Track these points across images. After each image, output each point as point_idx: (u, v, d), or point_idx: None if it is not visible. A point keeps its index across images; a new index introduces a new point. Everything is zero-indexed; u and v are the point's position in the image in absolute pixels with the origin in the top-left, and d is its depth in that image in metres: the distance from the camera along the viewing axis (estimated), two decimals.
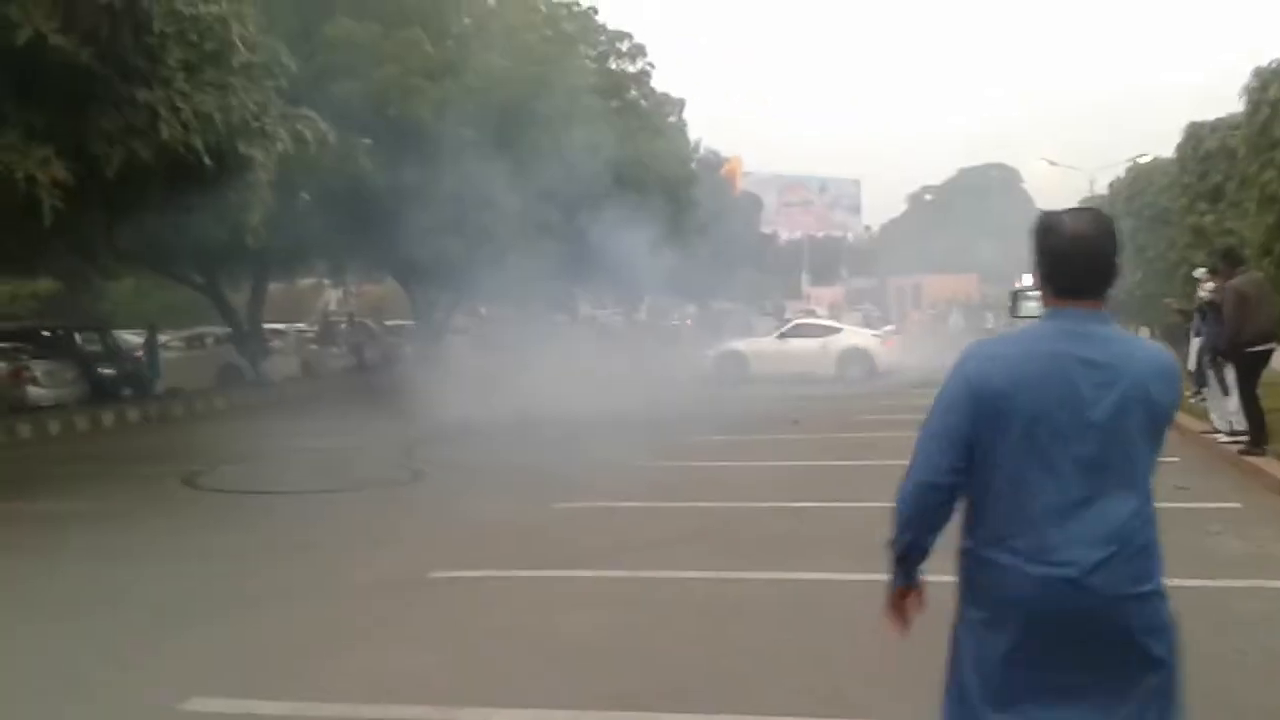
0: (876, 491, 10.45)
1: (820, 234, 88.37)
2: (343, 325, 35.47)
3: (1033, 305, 4.05)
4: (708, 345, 29.71)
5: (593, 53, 29.93)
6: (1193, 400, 14.57)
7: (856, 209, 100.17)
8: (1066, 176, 71.33)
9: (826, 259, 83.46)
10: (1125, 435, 2.58)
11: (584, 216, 25.16)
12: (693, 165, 35.90)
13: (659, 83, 32.69)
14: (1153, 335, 23.99)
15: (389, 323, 37.21)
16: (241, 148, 12.18)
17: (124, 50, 11.30)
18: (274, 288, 31.61)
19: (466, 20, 24.80)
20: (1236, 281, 11.14)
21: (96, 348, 24.26)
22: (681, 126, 34.17)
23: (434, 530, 9.51)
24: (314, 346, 32.92)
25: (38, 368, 21.47)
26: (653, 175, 28.05)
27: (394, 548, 8.80)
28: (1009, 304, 32.47)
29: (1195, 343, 15.53)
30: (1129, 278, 23.22)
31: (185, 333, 30.20)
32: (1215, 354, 12.19)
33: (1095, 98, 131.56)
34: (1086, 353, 2.61)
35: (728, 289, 52.94)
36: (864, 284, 78.71)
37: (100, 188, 12.36)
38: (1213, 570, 7.04)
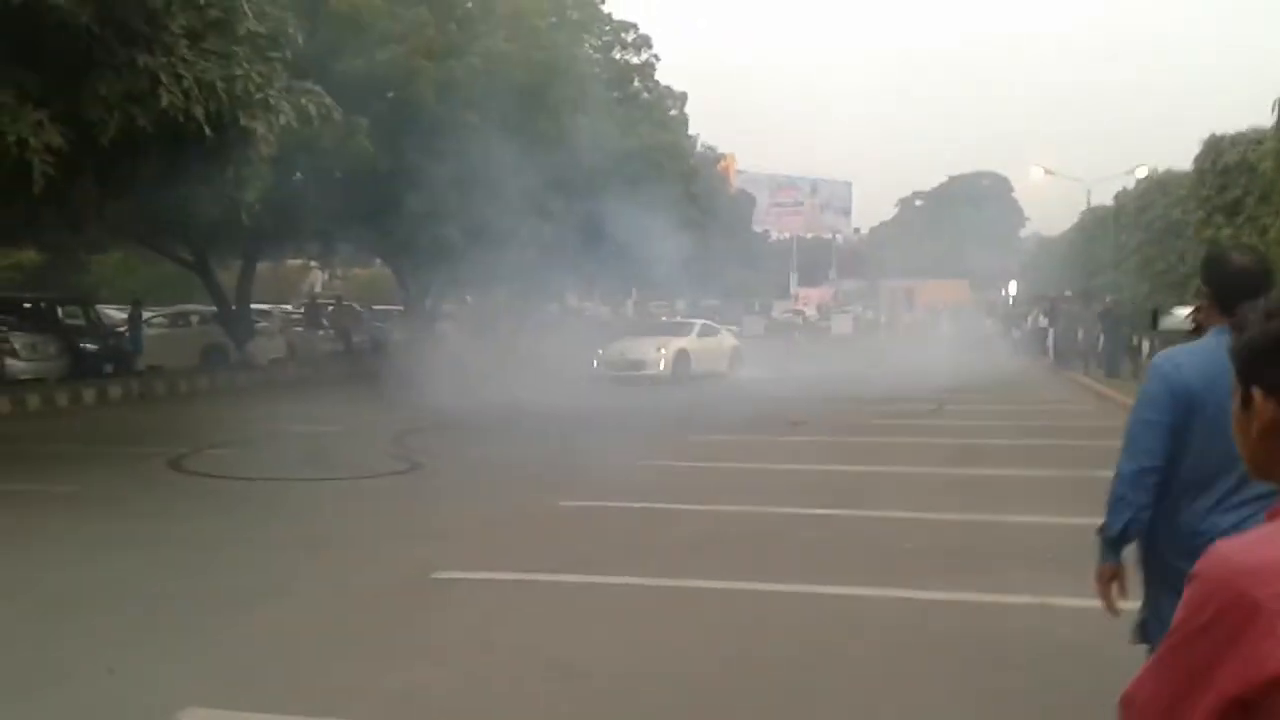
0: (894, 501, 10.34)
1: (810, 235, 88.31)
2: (330, 308, 34.88)
3: (1174, 320, 4.67)
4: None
5: (597, 42, 29.50)
6: None
7: (847, 211, 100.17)
8: (1063, 187, 71.33)
9: (815, 260, 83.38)
10: None
11: (583, 206, 24.80)
12: (692, 160, 35.49)
13: (660, 75, 32.32)
14: (1153, 347, 23.74)
15: (376, 307, 36.64)
16: (243, 120, 11.68)
17: (126, 13, 10.81)
18: (260, 267, 31.05)
19: (469, 3, 24.32)
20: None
21: (79, 322, 23.67)
22: (684, 120, 33.75)
23: (437, 526, 9.08)
24: (300, 329, 32.36)
25: (17, 340, 20.87)
26: (653, 168, 27.64)
27: (396, 544, 8.36)
28: (1044, 310, 32.14)
29: None
30: (1136, 289, 22.96)
31: (169, 309, 29.55)
32: None
33: (1088, 110, 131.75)
34: None
35: (718, 285, 52.64)
36: (853, 285, 78.64)
37: (94, 156, 11.86)
38: None
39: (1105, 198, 41.32)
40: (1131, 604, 3.25)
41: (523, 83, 22.52)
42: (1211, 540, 1.35)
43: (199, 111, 11.15)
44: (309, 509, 9.92)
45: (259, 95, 11.82)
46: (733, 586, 7.00)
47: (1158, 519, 3.08)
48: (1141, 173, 41.52)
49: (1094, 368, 25.42)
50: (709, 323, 28.36)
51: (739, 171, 75.19)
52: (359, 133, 19.59)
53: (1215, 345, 2.70)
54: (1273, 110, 13.86)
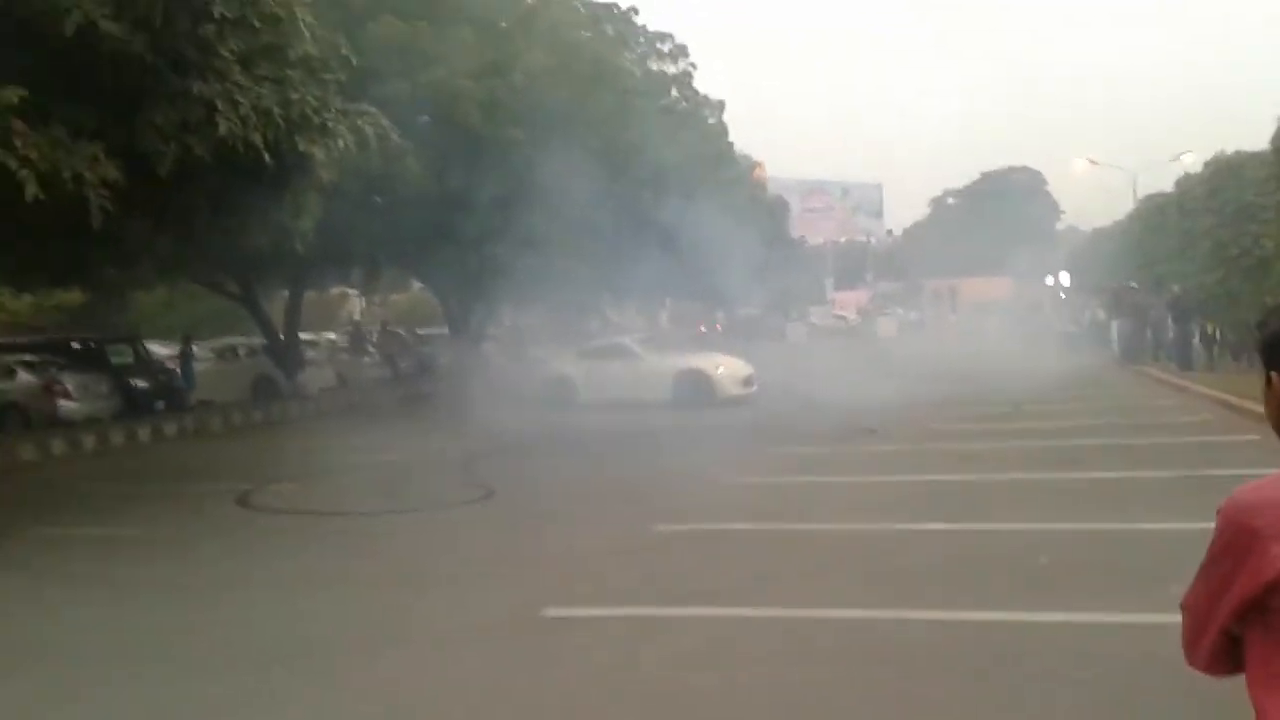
0: (1013, 512, 9.80)
1: (843, 239, 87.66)
2: (375, 334, 34.65)
3: None
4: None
5: (633, 55, 29.11)
6: None
7: (878, 213, 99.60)
8: (1101, 178, 70.25)
9: (850, 263, 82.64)
10: None
11: (630, 220, 24.35)
12: (734, 169, 35.00)
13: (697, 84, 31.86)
14: (1222, 336, 22.97)
15: (421, 331, 36.36)
16: (302, 145, 11.29)
17: (179, 40, 10.45)
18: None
19: (503, 24, 23.99)
20: None
21: (127, 360, 23.46)
22: (723, 129, 33.25)
23: (532, 557, 8.61)
24: (346, 356, 32.13)
25: (69, 381, 20.68)
26: (698, 179, 27.16)
27: (496, 580, 7.89)
28: (1103, 303, 31.35)
29: None
30: (1206, 276, 22.23)
31: (215, 343, 29.36)
32: None
33: (1120, 101, 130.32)
34: None
35: (758, 293, 52.04)
36: (890, 287, 77.79)
37: (149, 190, 11.49)
38: None
39: (1150, 187, 40.69)
40: None
41: (566, 98, 22.11)
42: None
43: (257, 139, 10.76)
44: (392, 544, 9.48)
45: (316, 120, 11.44)
46: (872, 615, 6.47)
47: None
48: (1189, 159, 40.84)
49: (1165, 360, 24.68)
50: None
51: (770, 178, 74.72)
52: (406, 155, 19.21)
53: None
54: None
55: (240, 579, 8.37)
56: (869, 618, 6.46)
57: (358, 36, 18.83)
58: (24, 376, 20.63)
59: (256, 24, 10.67)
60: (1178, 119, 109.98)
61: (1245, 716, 1.78)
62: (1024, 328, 41.31)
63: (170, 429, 20.32)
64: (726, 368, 21.87)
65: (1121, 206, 58.62)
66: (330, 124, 11.53)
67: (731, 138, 34.27)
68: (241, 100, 10.58)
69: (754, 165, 55.19)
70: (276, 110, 10.97)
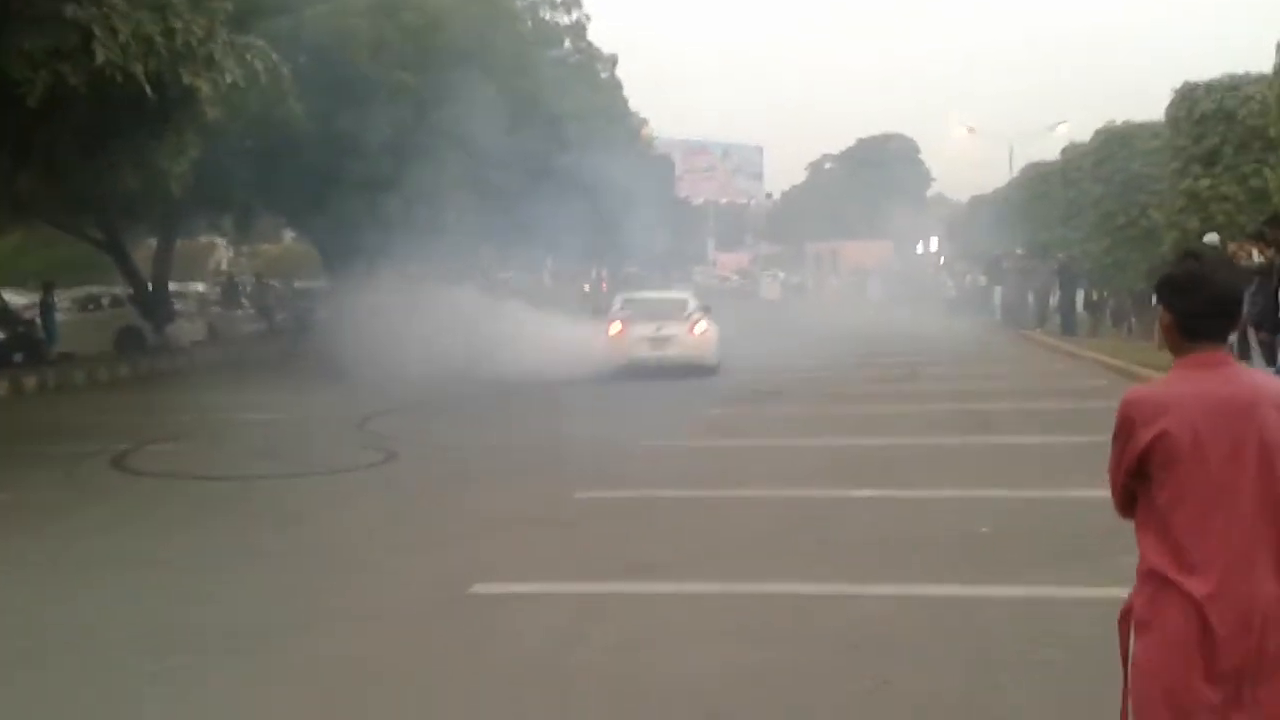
0: (939, 478, 9.61)
1: (724, 200, 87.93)
2: (248, 286, 33.20)
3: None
4: None
5: (524, 2, 28.15)
6: None
7: (759, 176, 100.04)
8: (973, 147, 71.67)
9: (731, 224, 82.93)
10: None
11: (522, 173, 23.64)
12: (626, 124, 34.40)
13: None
14: (1117, 303, 23.49)
15: (297, 283, 34.97)
16: (186, 78, 10.36)
17: None
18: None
19: None
20: None
21: None
22: (616, 84, 32.55)
23: (449, 528, 8.04)
24: (218, 309, 30.70)
25: None
26: (591, 133, 26.47)
27: (413, 554, 7.30)
28: (985, 269, 31.85)
29: None
30: (1094, 243, 22.63)
31: (76, 292, 27.57)
32: (1262, 327, 11.30)
33: (990, 73, 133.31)
34: None
35: (645, 252, 51.59)
36: (772, 249, 78.33)
37: (12, 121, 10.45)
38: None
39: (1025, 157, 41.51)
40: None
41: (459, 41, 21.20)
42: None
43: (138, 69, 9.82)
44: (291, 512, 8.78)
45: (202, 51, 10.51)
46: (822, 591, 6.14)
47: None
48: (1063, 129, 41.82)
49: (1049, 326, 25.18)
50: None
51: (653, 138, 74.22)
52: (288, 97, 18.13)
53: None
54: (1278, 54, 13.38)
55: (125, 552, 7.62)
56: (819, 594, 6.13)
57: None
58: None
59: None
60: (1051, 92, 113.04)
61: None
62: (905, 291, 41.89)
63: (30, 383, 18.99)
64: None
65: (994, 175, 60.11)
66: (217, 56, 10.60)
67: (626, 93, 33.66)
68: (120, 27, 9.63)
69: (642, 122, 54.68)
70: (159, 39, 10.02)
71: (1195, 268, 2.72)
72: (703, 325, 18.52)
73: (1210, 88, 16.89)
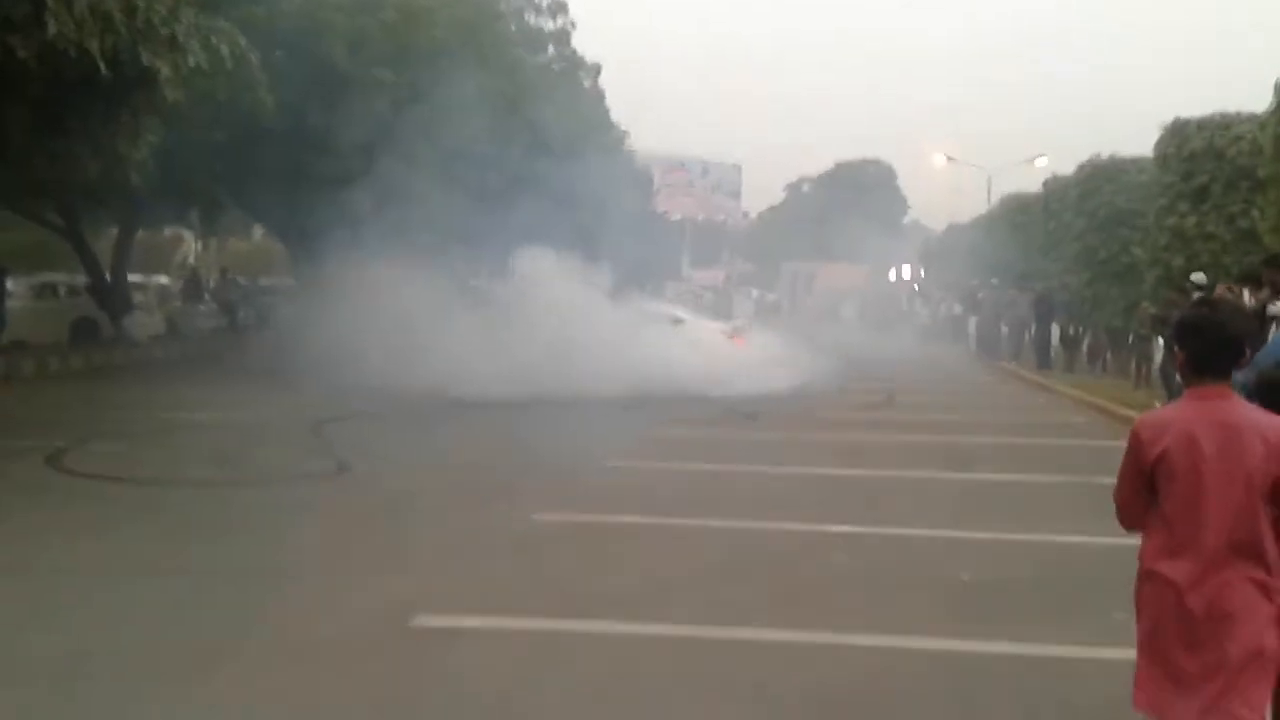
0: (918, 515, 9.05)
1: (701, 216, 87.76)
2: (212, 281, 32.45)
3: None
4: None
5: (509, 5, 27.62)
6: None
7: (736, 194, 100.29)
8: (951, 177, 71.74)
9: (707, 241, 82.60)
10: None
11: (493, 177, 23.06)
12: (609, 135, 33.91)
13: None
14: (1094, 338, 23.19)
15: (263, 281, 34.23)
16: (145, 58, 9.78)
17: None
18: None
19: None
20: None
21: None
22: (600, 94, 32.07)
23: (395, 551, 7.46)
24: (179, 303, 29.95)
25: None
26: (571, 140, 25.96)
27: (353, 577, 6.73)
28: (960, 297, 31.64)
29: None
30: (1074, 277, 22.34)
31: (32, 279, 26.75)
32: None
33: (974, 105, 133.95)
34: None
35: (615, 265, 51.04)
36: (747, 268, 77.98)
37: None
38: None
39: (1002, 188, 41.42)
40: None
41: (440, 40, 20.67)
42: None
43: (93, 45, 9.22)
44: (228, 524, 8.20)
45: (165, 30, 9.93)
46: (792, 639, 5.64)
47: None
48: (1042, 163, 41.70)
49: (1023, 359, 24.86)
50: None
51: (631, 151, 73.84)
52: (260, 87, 17.53)
53: None
54: (1276, 94, 13.07)
55: (42, 560, 7.04)
56: (791, 642, 5.62)
57: None
58: None
59: None
60: (1027, 128, 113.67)
61: None
62: (879, 316, 41.59)
63: None
64: None
65: (971, 205, 60.02)
66: (180, 37, 10.03)
67: (608, 103, 33.19)
68: None
69: (624, 134, 54.24)
70: (118, 15, 9.44)
71: (1208, 314, 3.27)
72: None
73: (1202, 125, 16.61)
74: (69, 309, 24.96)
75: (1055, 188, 24.64)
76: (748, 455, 11.78)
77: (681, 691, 4.95)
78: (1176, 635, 3.08)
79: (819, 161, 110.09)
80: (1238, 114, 16.46)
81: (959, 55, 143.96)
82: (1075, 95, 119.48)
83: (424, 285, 26.41)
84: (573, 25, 28.93)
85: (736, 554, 7.44)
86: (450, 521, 8.32)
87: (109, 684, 4.88)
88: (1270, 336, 10.83)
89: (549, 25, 28.69)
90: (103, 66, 9.33)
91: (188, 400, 15.49)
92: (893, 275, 54.80)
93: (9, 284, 23.26)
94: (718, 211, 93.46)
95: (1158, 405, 14.32)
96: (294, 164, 20.24)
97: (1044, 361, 23.25)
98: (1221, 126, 16.42)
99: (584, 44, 30.74)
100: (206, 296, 31.38)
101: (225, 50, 10.96)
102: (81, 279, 25.69)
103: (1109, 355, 22.43)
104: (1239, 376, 3.30)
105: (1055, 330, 23.96)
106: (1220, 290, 12.92)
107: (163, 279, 33.89)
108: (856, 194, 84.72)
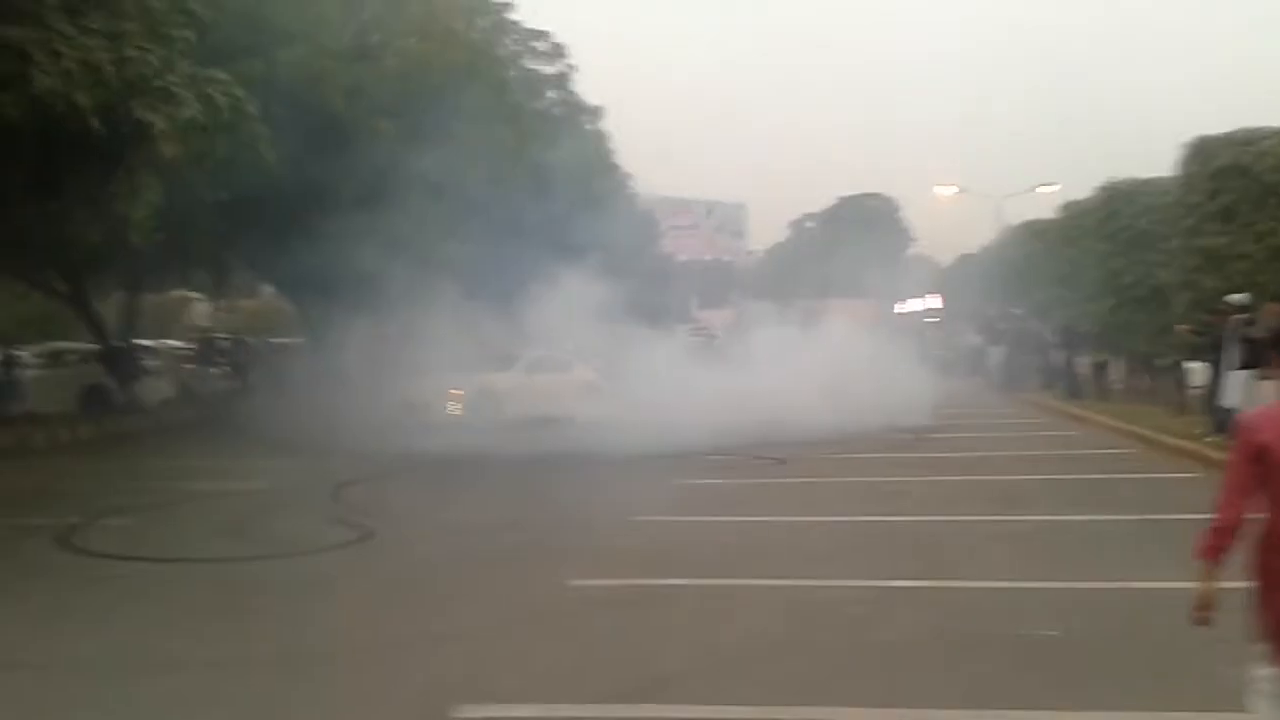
0: (980, 564, 8.10)
1: (708, 257, 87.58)
2: (224, 343, 32.05)
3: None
4: None
5: (507, 51, 27.39)
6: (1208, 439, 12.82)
7: (741, 233, 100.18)
8: (958, 207, 71.45)
9: (715, 282, 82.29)
10: None
11: (504, 226, 22.68)
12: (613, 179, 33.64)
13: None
14: (1127, 365, 22.59)
15: (275, 340, 33.84)
16: (138, 111, 9.38)
17: None
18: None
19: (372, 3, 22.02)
20: None
21: None
22: (601, 136, 31.77)
23: (428, 627, 6.92)
24: (191, 366, 29.53)
25: None
26: (570, 185, 25.55)
27: (387, 661, 6.18)
28: (978, 329, 31.21)
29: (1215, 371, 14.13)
30: (1097, 304, 21.84)
31: (41, 348, 26.38)
32: None
33: (972, 134, 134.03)
34: None
35: (624, 309, 50.65)
36: (759, 307, 77.52)
37: None
38: None
39: (1012, 216, 40.91)
40: None
41: (438, 88, 20.33)
42: None
43: (83, 99, 8.81)
44: (248, 605, 7.67)
45: (157, 82, 9.53)
46: (869, 717, 5.10)
47: None
48: (1045, 190, 41.15)
49: (1053, 389, 24.27)
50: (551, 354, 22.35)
51: (634, 194, 73.74)
52: (260, 141, 17.14)
53: None
54: None
55: (52, 652, 6.52)
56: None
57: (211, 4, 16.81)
58: None
59: None
60: (1029, 157, 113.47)
61: None
62: (896, 350, 40.97)
63: None
64: None
65: (976, 235, 59.61)
66: (175, 89, 9.62)
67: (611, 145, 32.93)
68: (65, 51, 8.64)
69: (627, 177, 54.11)
70: (109, 68, 9.04)
71: None
72: None
73: (1227, 142, 16.17)
74: (79, 376, 24.53)
75: (1074, 213, 24.18)
76: (785, 504, 11.27)
77: None
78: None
79: (823, 196, 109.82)
80: (1261, 129, 16.04)
81: (958, 82, 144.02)
82: (1077, 120, 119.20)
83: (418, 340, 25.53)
84: (570, 69, 28.73)
85: (796, 619, 6.87)
86: (481, 590, 7.79)
87: None
88: None
89: (548, 70, 28.46)
90: (95, 123, 8.92)
91: (202, 468, 15.04)
92: (918, 307, 54.54)
93: (23, 353, 22.91)
94: (724, 251, 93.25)
95: (1197, 432, 13.83)
96: (298, 219, 19.86)
97: (1075, 391, 22.67)
98: (1246, 142, 15.98)
99: (586, 87, 30.35)
100: (220, 359, 30.98)
101: (222, 101, 10.57)
102: (92, 345, 25.35)
103: (1138, 381, 21.86)
104: None
105: (1084, 359, 23.40)
106: (1274, 308, 12.57)
107: (173, 342, 33.52)
108: (860, 229, 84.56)
